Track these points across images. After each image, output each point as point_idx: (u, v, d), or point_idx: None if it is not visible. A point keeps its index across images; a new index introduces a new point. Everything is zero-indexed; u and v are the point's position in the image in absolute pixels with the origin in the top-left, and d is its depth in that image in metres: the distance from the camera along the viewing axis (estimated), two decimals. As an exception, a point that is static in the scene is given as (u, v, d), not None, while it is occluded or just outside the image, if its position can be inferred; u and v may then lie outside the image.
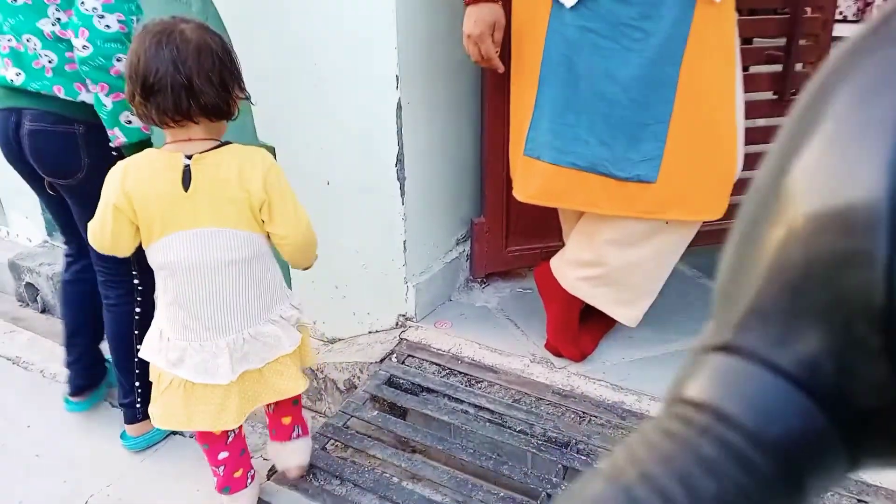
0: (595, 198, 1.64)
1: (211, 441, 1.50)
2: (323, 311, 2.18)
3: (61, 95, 1.63)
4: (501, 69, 1.72)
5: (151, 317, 1.51)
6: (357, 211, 1.98)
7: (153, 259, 1.37)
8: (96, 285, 1.86)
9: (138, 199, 1.29)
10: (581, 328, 1.88)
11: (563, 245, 1.99)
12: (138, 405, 1.88)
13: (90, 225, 1.38)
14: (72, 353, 2.01)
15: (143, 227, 1.32)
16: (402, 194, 1.92)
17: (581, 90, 1.59)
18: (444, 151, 2.07)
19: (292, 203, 1.36)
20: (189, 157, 1.30)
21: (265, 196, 1.32)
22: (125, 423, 1.92)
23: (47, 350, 2.32)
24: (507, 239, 2.21)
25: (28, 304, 2.80)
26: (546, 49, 1.61)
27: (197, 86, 1.23)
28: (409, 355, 1.93)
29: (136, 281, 1.82)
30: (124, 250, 1.38)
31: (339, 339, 2.13)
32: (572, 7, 1.54)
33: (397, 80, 1.80)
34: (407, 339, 1.99)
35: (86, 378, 2.04)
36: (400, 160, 1.88)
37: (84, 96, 1.64)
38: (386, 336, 2.03)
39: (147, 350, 1.43)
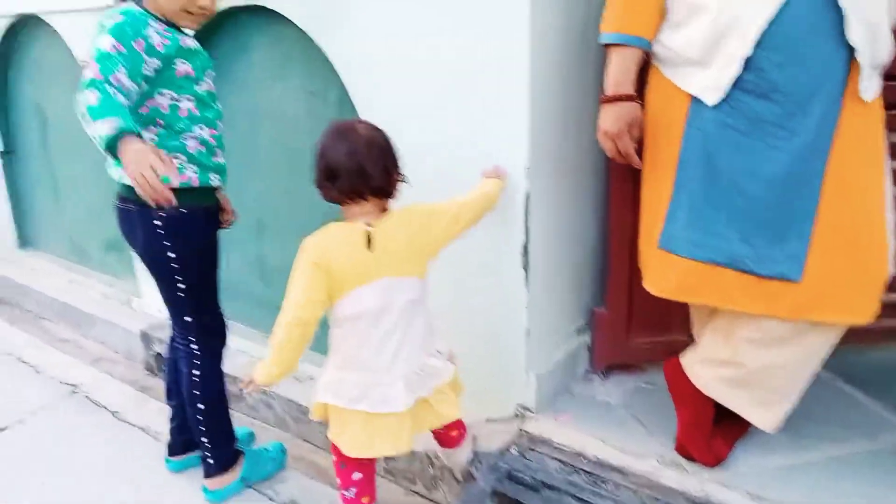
0: (734, 295, 1.59)
1: (359, 464, 1.67)
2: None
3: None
4: (639, 165, 1.71)
5: (212, 381, 1.92)
6: (480, 295, 1.98)
7: (344, 311, 1.56)
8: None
9: (333, 260, 1.52)
10: (714, 430, 1.79)
11: (689, 339, 1.92)
12: (210, 460, 2.03)
13: (288, 295, 1.53)
14: (171, 413, 2.18)
15: (336, 285, 1.54)
16: (527, 282, 1.91)
17: (721, 186, 1.56)
18: (567, 239, 2.07)
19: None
20: (369, 224, 1.54)
21: (429, 238, 1.61)
22: (203, 476, 2.06)
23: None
24: (630, 330, 2.16)
25: (156, 374, 2.94)
26: (684, 144, 1.59)
27: (367, 172, 1.49)
28: (530, 448, 1.88)
29: (193, 346, 1.97)
30: (315, 307, 1.53)
31: (456, 426, 2.11)
32: (713, 105, 1.53)
33: (527, 170, 1.82)
34: (527, 432, 1.95)
35: (181, 438, 2.18)
36: (526, 248, 1.89)
37: (126, 178, 1.64)
38: (505, 426, 1.99)
39: (326, 393, 1.62)
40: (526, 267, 1.90)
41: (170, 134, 1.75)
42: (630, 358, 2.20)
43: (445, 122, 1.91)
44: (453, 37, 1.82)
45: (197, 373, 1.97)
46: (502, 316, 1.97)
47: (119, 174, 1.79)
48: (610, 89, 1.64)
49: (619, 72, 1.63)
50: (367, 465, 1.69)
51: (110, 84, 1.53)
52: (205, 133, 1.81)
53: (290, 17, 2.19)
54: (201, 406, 1.99)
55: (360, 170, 1.49)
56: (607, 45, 1.65)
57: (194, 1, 1.73)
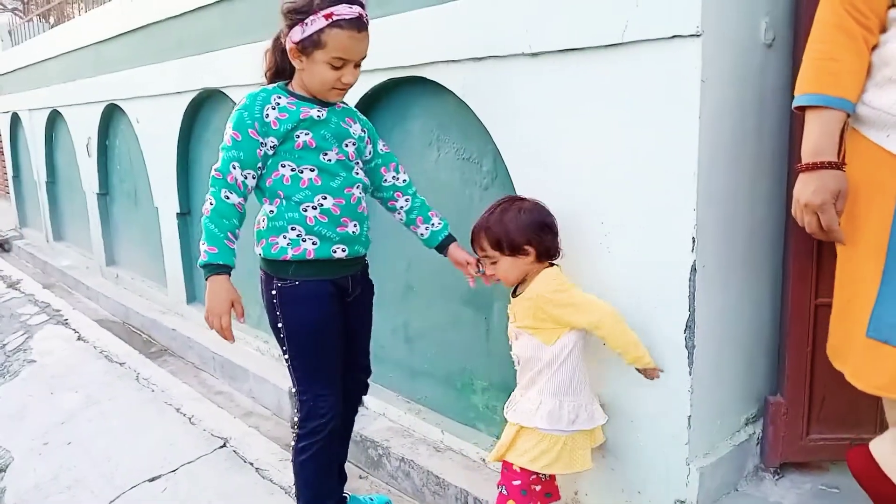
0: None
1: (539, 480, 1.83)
2: (586, 478, 2.01)
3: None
4: (844, 242, 1.51)
5: (305, 459, 1.91)
6: (636, 376, 1.83)
7: (571, 338, 1.78)
8: (339, 429, 2.01)
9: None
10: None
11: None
12: None
13: None
14: None
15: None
16: (690, 363, 1.74)
17: (941, 267, 1.34)
18: (737, 318, 1.88)
19: None
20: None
21: None
22: None
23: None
24: (809, 424, 1.91)
25: (300, 432, 2.96)
26: None
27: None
28: (691, 552, 1.68)
29: (296, 419, 1.93)
30: None
31: (605, 517, 1.94)
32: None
33: (693, 241, 1.68)
34: (688, 532, 1.74)
35: None
36: (690, 326, 1.72)
37: (257, 248, 1.85)
38: (661, 524, 1.80)
39: (544, 421, 1.76)
40: (689, 346, 1.73)
41: (289, 205, 1.80)
42: (809, 455, 1.93)
43: (606, 193, 1.82)
44: (620, 112, 1.76)
45: (295, 447, 1.94)
46: (662, 399, 1.80)
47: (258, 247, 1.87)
48: (809, 156, 1.46)
49: (820, 136, 1.45)
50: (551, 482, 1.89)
51: (226, 185, 1.75)
52: (328, 203, 1.81)
53: (450, 88, 2.21)
54: (298, 483, 1.99)
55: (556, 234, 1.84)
56: (803, 108, 1.49)
57: (339, 79, 1.78)
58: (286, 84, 1.85)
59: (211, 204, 1.75)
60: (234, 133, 1.76)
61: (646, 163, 1.73)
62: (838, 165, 1.46)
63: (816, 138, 1.46)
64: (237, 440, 2.81)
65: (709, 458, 1.83)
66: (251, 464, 2.62)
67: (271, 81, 1.89)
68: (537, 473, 1.81)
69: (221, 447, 2.76)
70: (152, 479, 2.56)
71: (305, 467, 1.95)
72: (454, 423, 2.54)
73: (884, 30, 1.44)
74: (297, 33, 1.72)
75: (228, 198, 1.75)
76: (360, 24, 1.74)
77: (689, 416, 1.76)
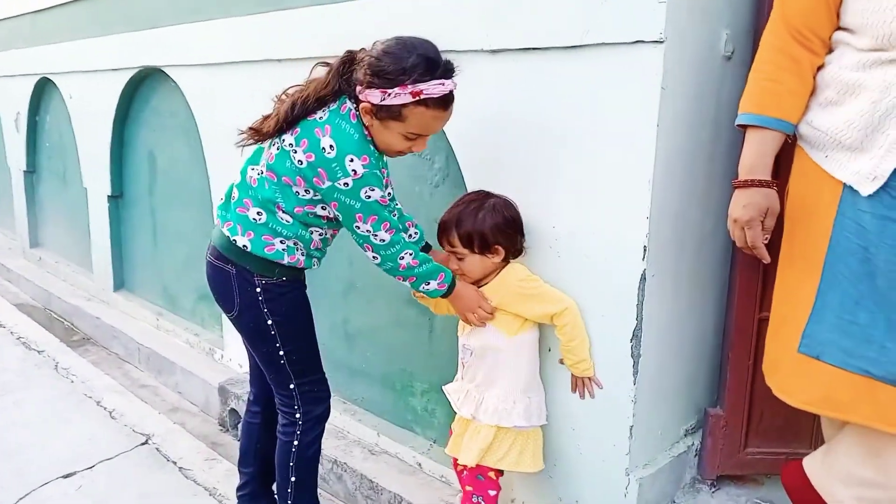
0: (891, 414, 1.35)
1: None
2: (524, 488, 1.97)
3: (224, 231, 1.74)
4: (767, 260, 1.53)
5: (310, 453, 1.86)
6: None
7: (533, 334, 1.83)
8: (267, 425, 1.98)
9: None
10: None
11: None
12: None
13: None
14: (241, 480, 2.07)
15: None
16: (635, 373, 1.72)
17: (879, 287, 1.34)
18: (682, 329, 1.87)
19: None
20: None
21: None
22: None
23: (241, 483, 2.29)
24: (747, 437, 1.91)
25: (228, 430, 2.85)
26: (833, 237, 1.40)
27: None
28: (627, 565, 1.65)
29: (298, 415, 1.85)
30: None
31: (542, 527, 1.90)
32: (870, 195, 1.34)
33: (645, 250, 1.66)
34: (625, 544, 1.72)
35: None
36: (637, 335, 1.70)
37: (240, 240, 1.70)
38: (599, 535, 1.77)
39: (522, 418, 1.77)
40: (634, 355, 1.72)
41: (303, 226, 1.73)
42: (745, 468, 1.94)
43: (559, 197, 1.79)
44: (577, 116, 1.72)
45: (296, 443, 1.86)
46: (603, 409, 1.78)
47: (225, 228, 1.74)
48: (743, 173, 1.49)
49: (755, 155, 1.48)
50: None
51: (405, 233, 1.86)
52: (328, 233, 1.81)
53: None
54: (293, 479, 1.88)
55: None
56: (744, 126, 1.49)
57: (409, 148, 1.67)
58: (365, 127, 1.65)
59: (415, 259, 1.73)
60: (382, 199, 1.63)
61: (601, 168, 1.70)
62: (769, 184, 1.48)
63: (752, 157, 1.48)
64: (161, 437, 2.67)
65: (648, 469, 1.81)
66: (174, 462, 2.50)
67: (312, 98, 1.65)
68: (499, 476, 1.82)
69: (143, 444, 2.62)
70: (67, 476, 2.42)
71: (314, 459, 1.91)
72: (391, 426, 2.47)
73: (830, 50, 1.45)
74: (376, 97, 1.56)
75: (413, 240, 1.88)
76: (447, 102, 1.61)
77: (632, 426, 1.74)
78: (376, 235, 1.65)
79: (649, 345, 1.74)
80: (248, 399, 2.06)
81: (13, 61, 5.03)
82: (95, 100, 3.98)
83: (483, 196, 1.82)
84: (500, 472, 1.83)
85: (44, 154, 4.99)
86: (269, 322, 1.76)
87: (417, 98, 1.55)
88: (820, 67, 1.46)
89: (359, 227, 1.64)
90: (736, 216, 1.49)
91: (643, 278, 1.67)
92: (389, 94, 1.55)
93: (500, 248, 1.77)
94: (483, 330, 1.81)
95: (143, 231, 3.87)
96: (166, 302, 3.74)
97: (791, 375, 1.48)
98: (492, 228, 1.76)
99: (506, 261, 1.82)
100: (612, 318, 1.73)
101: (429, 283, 1.76)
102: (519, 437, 1.78)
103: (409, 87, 1.53)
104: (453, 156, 2.07)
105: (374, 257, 1.71)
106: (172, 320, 3.63)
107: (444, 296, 1.80)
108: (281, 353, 1.80)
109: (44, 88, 4.77)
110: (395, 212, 1.92)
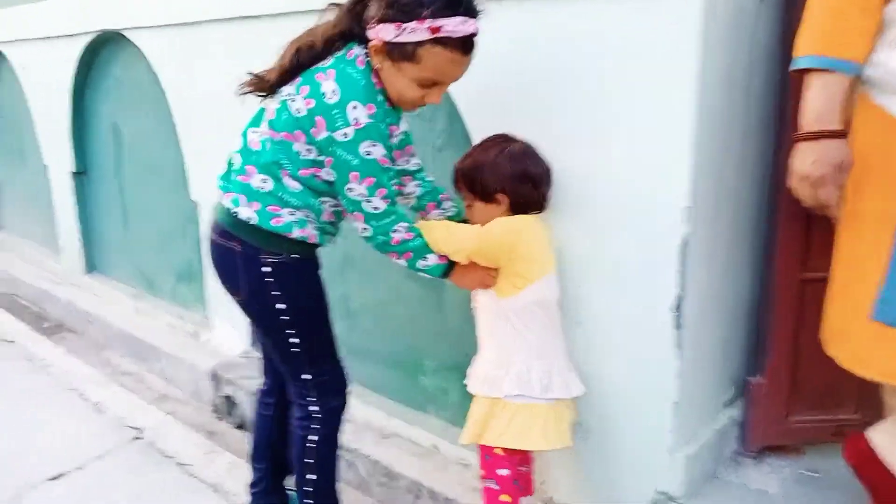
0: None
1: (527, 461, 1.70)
2: (554, 466, 1.85)
3: (226, 203, 1.55)
4: (838, 219, 1.38)
5: (330, 448, 1.72)
6: (617, 358, 1.67)
7: (536, 294, 1.60)
8: (281, 418, 1.83)
9: (534, 241, 1.61)
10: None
11: (862, 418, 1.58)
12: None
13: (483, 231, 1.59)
14: (254, 476, 1.92)
15: (531, 266, 1.60)
16: (680, 346, 1.59)
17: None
18: (718, 296, 1.74)
19: None
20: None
21: None
22: None
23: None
24: (790, 406, 1.81)
25: (223, 418, 2.69)
26: None
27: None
28: (680, 550, 1.55)
29: (313, 407, 1.69)
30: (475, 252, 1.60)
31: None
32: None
33: (687, 211, 1.51)
34: (675, 528, 1.61)
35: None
36: (679, 305, 1.57)
37: (243, 212, 1.52)
38: (644, 518, 1.66)
39: (514, 386, 1.59)
40: (677, 326, 1.58)
41: (312, 194, 1.54)
42: (790, 438, 1.84)
43: (587, 162, 1.63)
44: (609, 67, 1.56)
45: (315, 438, 1.69)
46: (645, 384, 1.65)
47: (226, 200, 1.55)
48: (811, 124, 1.32)
49: (823, 102, 1.31)
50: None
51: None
52: (341, 205, 1.58)
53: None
54: (313, 476, 1.71)
55: (549, 182, 1.65)
56: (804, 71, 1.33)
57: (422, 98, 1.49)
58: (374, 74, 1.48)
59: (409, 232, 1.56)
60: (383, 160, 1.45)
61: (637, 127, 1.54)
62: (843, 134, 1.32)
63: (819, 104, 1.31)
64: (153, 430, 2.50)
65: (691, 446, 1.70)
66: (171, 457, 2.33)
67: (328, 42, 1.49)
68: (524, 453, 1.67)
69: (136, 439, 2.45)
70: (54, 478, 2.24)
71: (332, 454, 1.75)
72: (401, 407, 2.33)
73: None
74: (389, 32, 1.39)
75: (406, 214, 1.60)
76: (467, 46, 1.43)
77: (676, 401, 1.62)
78: (370, 202, 1.48)
79: (691, 314, 1.61)
80: (261, 390, 1.89)
81: (-45, 30, 4.67)
82: (50, 70, 3.69)
83: (500, 140, 1.64)
84: (517, 451, 1.65)
85: (-3, 130, 4.67)
86: (279, 306, 1.58)
87: (436, 36, 1.36)
88: (887, 1, 1.30)
89: (351, 190, 1.46)
90: (805, 173, 1.33)
91: (685, 243, 1.53)
92: (405, 30, 1.37)
93: (502, 197, 1.60)
94: (481, 292, 1.67)
95: (113, 209, 3.62)
96: (143, 283, 3.52)
97: (865, 345, 1.35)
98: (495, 175, 1.59)
99: (515, 213, 1.62)
100: (652, 286, 1.59)
101: (426, 259, 1.59)
102: (522, 410, 1.60)
103: (428, 21, 1.35)
104: (457, 115, 1.90)
105: (363, 229, 1.53)
106: (151, 303, 3.42)
107: (445, 274, 1.63)
108: (293, 340, 1.62)
109: (-8, 59, 4.44)
110: (421, 183, 1.77)
